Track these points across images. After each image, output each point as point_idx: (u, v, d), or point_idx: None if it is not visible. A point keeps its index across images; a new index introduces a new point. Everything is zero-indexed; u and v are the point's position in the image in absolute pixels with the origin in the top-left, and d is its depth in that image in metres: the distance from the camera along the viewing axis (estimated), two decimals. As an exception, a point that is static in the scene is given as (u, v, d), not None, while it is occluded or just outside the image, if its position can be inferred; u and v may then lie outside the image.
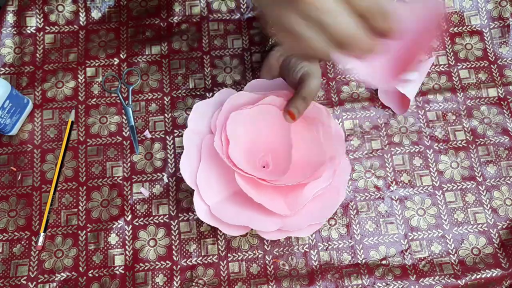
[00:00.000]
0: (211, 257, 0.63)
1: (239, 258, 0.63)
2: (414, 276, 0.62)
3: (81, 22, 0.73)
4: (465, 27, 0.75)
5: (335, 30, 0.36)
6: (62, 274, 0.62)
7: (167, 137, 0.68)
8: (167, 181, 0.66)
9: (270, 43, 0.65)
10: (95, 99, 0.70)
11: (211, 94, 0.70)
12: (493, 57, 0.74)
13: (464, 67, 0.73)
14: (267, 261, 0.63)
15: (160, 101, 0.70)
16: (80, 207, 0.65)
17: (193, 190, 0.58)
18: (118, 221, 0.64)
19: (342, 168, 0.59)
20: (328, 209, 0.57)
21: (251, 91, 0.60)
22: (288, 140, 0.57)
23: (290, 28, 0.38)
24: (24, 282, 0.62)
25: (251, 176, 0.55)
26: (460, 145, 0.69)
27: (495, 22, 0.75)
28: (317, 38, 0.37)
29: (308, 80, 0.56)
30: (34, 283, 0.62)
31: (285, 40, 0.40)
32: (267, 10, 0.40)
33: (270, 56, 0.64)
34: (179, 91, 0.71)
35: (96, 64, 0.72)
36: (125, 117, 0.69)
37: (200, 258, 0.63)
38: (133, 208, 0.65)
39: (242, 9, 0.75)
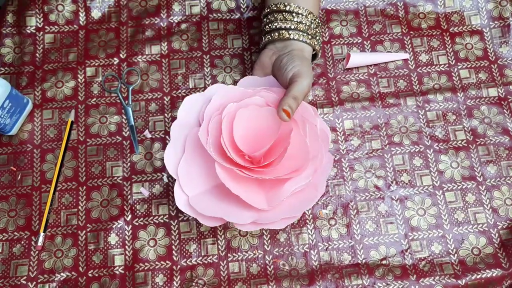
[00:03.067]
0: (211, 257, 0.63)
1: (239, 258, 0.63)
2: (414, 276, 0.62)
3: (81, 22, 0.73)
4: (466, 26, 0.75)
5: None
6: (62, 274, 0.62)
7: (167, 137, 0.68)
8: (167, 181, 0.66)
9: (264, 41, 0.65)
10: (95, 99, 0.70)
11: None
12: (493, 57, 0.74)
13: (464, 66, 0.73)
14: (267, 261, 0.63)
15: (160, 101, 0.70)
16: (80, 207, 0.65)
17: None
18: (118, 221, 0.64)
19: (323, 165, 0.59)
20: (305, 204, 0.57)
21: (244, 87, 0.61)
22: (277, 136, 0.57)
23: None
24: (24, 282, 0.62)
25: (231, 167, 0.55)
26: (460, 145, 0.69)
27: (495, 22, 0.75)
28: None
29: (299, 80, 0.56)
30: (34, 283, 0.62)
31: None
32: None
33: (263, 54, 0.65)
34: (179, 91, 0.71)
35: (96, 64, 0.71)
36: (125, 117, 0.69)
37: (200, 258, 0.63)
38: (133, 208, 0.65)
39: (242, 9, 0.75)
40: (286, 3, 0.63)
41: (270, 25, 0.64)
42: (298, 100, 0.55)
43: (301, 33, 0.63)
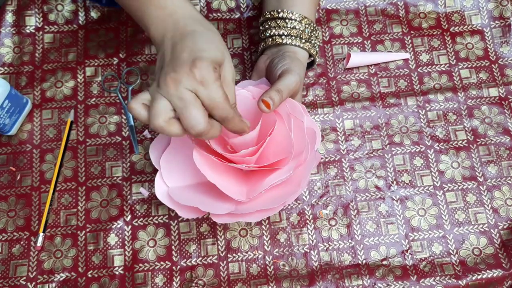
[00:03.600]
0: (210, 257, 0.63)
1: (239, 259, 0.63)
2: (415, 276, 0.62)
3: (80, 22, 0.73)
4: (466, 26, 0.75)
5: (185, 120, 0.46)
6: (61, 274, 0.62)
7: (167, 137, 0.68)
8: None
9: (260, 48, 0.66)
10: (94, 99, 0.70)
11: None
12: (494, 57, 0.73)
13: (465, 66, 0.73)
14: (267, 262, 0.63)
15: (160, 101, 0.70)
16: (79, 207, 0.65)
17: None
18: (118, 222, 0.64)
19: (307, 161, 0.58)
20: (284, 198, 0.56)
21: None
22: (258, 128, 0.57)
23: (153, 98, 0.47)
24: (23, 283, 0.61)
25: (208, 155, 0.55)
26: (461, 145, 0.69)
27: (496, 22, 0.75)
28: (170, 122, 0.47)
29: (285, 75, 0.57)
30: (33, 283, 0.61)
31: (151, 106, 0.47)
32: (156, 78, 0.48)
33: (259, 59, 0.66)
34: (179, 90, 0.70)
35: (96, 64, 0.71)
36: (125, 117, 0.69)
37: (200, 258, 0.63)
38: (133, 208, 0.65)
39: (242, 8, 0.75)
40: (279, 10, 0.64)
41: (265, 32, 0.65)
42: (282, 93, 0.54)
43: (294, 37, 0.63)
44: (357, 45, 0.73)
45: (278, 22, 0.64)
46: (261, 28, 0.67)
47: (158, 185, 0.58)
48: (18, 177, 0.66)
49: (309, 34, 0.64)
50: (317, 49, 0.66)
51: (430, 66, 0.73)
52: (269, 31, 0.64)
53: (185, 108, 0.45)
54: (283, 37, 0.63)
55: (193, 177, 0.59)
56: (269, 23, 0.65)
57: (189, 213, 0.57)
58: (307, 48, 0.64)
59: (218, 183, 0.55)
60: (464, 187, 0.67)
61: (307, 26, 0.64)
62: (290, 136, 0.56)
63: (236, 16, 0.75)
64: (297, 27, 0.63)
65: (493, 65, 0.73)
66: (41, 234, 0.63)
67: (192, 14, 0.51)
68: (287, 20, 0.63)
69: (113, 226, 0.64)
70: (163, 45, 0.49)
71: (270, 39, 0.64)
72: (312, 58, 0.67)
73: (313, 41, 0.65)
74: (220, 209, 0.56)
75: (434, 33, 0.74)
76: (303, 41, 0.63)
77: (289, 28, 0.63)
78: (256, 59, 0.68)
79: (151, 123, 0.46)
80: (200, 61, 0.45)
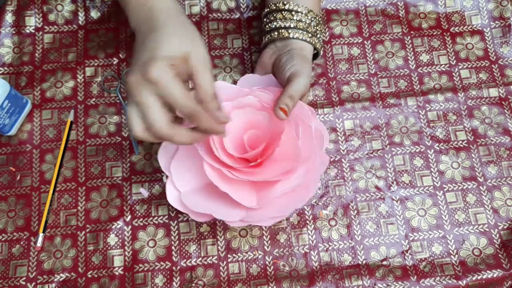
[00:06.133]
0: (210, 257, 0.63)
1: (239, 259, 0.63)
2: (415, 277, 0.62)
3: (80, 22, 0.73)
4: (466, 26, 0.75)
5: (146, 124, 0.46)
6: (61, 274, 0.62)
7: (167, 137, 0.68)
8: (166, 181, 0.66)
9: (264, 40, 0.65)
10: (94, 99, 0.70)
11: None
12: (494, 57, 0.73)
13: (465, 67, 0.73)
14: (267, 262, 0.63)
15: (160, 101, 0.70)
16: (79, 208, 0.65)
17: None
18: (118, 222, 0.64)
19: (316, 166, 0.59)
20: (295, 204, 0.57)
21: (244, 85, 0.61)
22: (269, 136, 0.57)
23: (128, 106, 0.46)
24: (23, 283, 0.61)
25: (219, 167, 0.56)
26: (461, 145, 0.69)
27: (496, 22, 0.75)
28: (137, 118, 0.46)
29: (295, 79, 0.56)
30: (33, 283, 0.61)
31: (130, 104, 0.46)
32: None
33: (263, 53, 0.65)
34: (179, 91, 0.70)
35: (95, 64, 0.71)
36: (125, 117, 0.69)
37: (200, 258, 0.63)
38: (133, 208, 0.65)
39: (242, 9, 0.75)
40: (285, 2, 0.63)
41: (270, 24, 0.64)
42: (295, 99, 0.55)
43: (300, 31, 0.63)
44: (357, 45, 0.73)
45: (284, 14, 0.63)
46: (264, 20, 0.66)
47: (169, 191, 0.58)
48: (18, 177, 0.66)
49: (315, 27, 0.64)
50: (322, 43, 0.66)
51: (430, 66, 0.73)
52: (275, 23, 0.63)
53: (146, 113, 0.45)
54: (289, 30, 0.62)
55: (202, 178, 0.59)
56: (274, 14, 0.64)
57: (202, 218, 0.58)
58: (313, 42, 0.63)
59: (231, 192, 0.56)
60: (464, 188, 0.67)
61: (312, 19, 0.64)
62: (297, 144, 0.56)
63: (236, 16, 0.75)
64: (303, 20, 0.63)
65: (493, 66, 0.73)
66: (41, 234, 0.63)
67: (169, 7, 0.50)
68: (293, 12, 0.63)
69: (113, 227, 0.64)
70: (135, 40, 0.48)
71: (276, 33, 0.63)
72: (316, 51, 0.66)
73: (318, 36, 0.65)
74: (233, 216, 0.57)
75: (434, 33, 0.74)
76: (310, 35, 0.63)
77: (295, 21, 0.62)
78: (261, 50, 0.67)
79: (132, 133, 0.47)
80: (153, 61, 0.45)
